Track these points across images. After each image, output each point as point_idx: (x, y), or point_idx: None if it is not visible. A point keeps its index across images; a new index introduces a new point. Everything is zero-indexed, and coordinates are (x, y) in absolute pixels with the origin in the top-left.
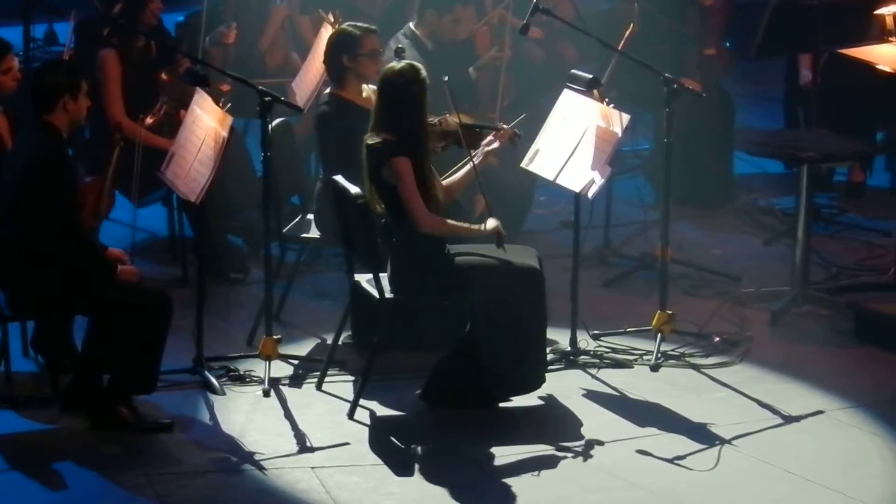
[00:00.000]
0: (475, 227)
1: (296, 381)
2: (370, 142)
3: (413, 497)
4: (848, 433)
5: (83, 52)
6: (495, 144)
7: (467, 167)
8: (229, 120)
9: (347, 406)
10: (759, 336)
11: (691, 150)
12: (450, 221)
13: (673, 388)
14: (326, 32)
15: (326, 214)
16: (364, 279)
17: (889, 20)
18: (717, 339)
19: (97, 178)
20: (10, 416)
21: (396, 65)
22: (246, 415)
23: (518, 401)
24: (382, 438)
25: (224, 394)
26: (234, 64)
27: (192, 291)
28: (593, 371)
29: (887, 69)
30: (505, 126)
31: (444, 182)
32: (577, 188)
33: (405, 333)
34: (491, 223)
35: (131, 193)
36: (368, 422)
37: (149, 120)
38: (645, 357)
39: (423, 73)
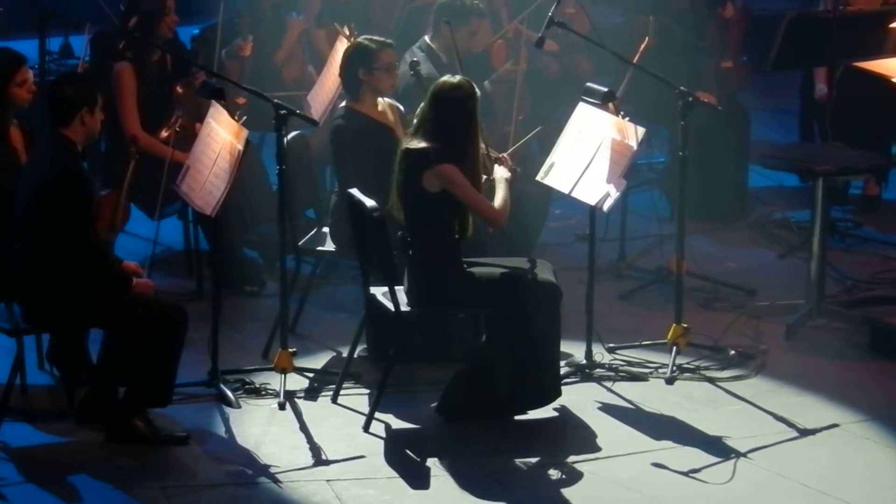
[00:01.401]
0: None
1: (311, 393)
2: (411, 146)
3: None
4: (863, 446)
5: (99, 66)
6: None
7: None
8: (245, 133)
9: (363, 419)
10: (775, 349)
11: (707, 163)
12: (499, 200)
13: (688, 401)
14: (342, 46)
15: (342, 227)
16: (379, 292)
17: None
18: (733, 352)
19: (113, 192)
20: (25, 429)
21: (453, 79)
22: (261, 428)
23: (533, 414)
24: (398, 451)
25: (239, 407)
26: (251, 77)
27: (208, 304)
28: (609, 384)
29: None
30: (507, 158)
31: None
32: (592, 201)
33: (421, 346)
34: (499, 172)
35: (149, 207)
36: (384, 435)
37: (164, 133)
38: (660, 370)
39: (478, 90)
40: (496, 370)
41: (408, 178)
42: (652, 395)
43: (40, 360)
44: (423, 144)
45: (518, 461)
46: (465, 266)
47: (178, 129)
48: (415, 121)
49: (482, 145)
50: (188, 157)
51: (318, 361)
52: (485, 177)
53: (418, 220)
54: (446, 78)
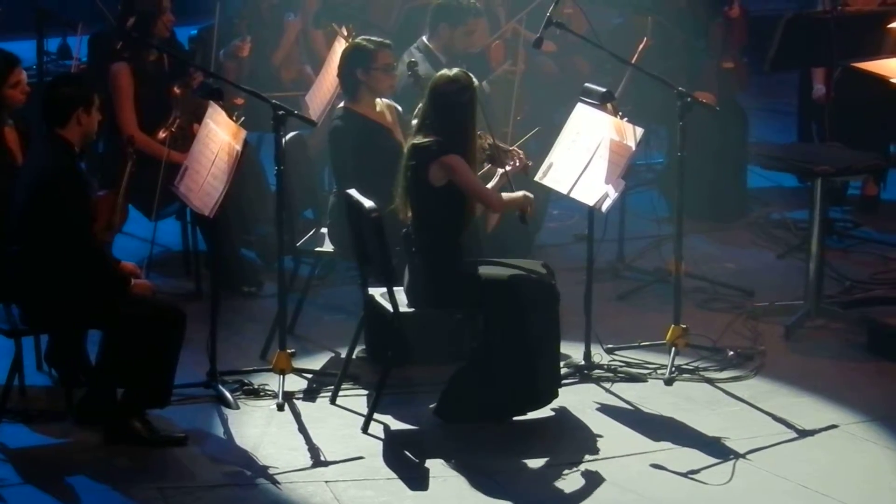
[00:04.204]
0: (511, 194)
1: (310, 394)
2: (416, 142)
3: None
4: (862, 447)
5: (96, 66)
6: (508, 168)
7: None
8: (243, 134)
9: (361, 420)
10: (773, 350)
11: (705, 163)
12: (506, 195)
13: (687, 402)
14: (340, 46)
15: (340, 228)
16: (378, 293)
17: None
18: (731, 352)
19: (110, 192)
20: (23, 431)
21: (449, 72)
22: (260, 429)
23: (532, 415)
24: (397, 452)
25: (238, 408)
26: (249, 77)
27: (206, 305)
28: (607, 385)
29: None
30: (521, 153)
31: None
32: (590, 202)
33: (419, 347)
34: (520, 193)
35: (147, 208)
36: (382, 436)
37: (162, 134)
38: (659, 371)
39: (475, 80)
40: (494, 371)
41: (415, 174)
42: (650, 396)
43: (38, 361)
44: (427, 139)
45: (516, 462)
46: (465, 266)
47: (175, 130)
48: (416, 119)
49: (491, 138)
50: (186, 157)
51: (317, 362)
52: (501, 170)
53: (423, 217)
54: (443, 72)
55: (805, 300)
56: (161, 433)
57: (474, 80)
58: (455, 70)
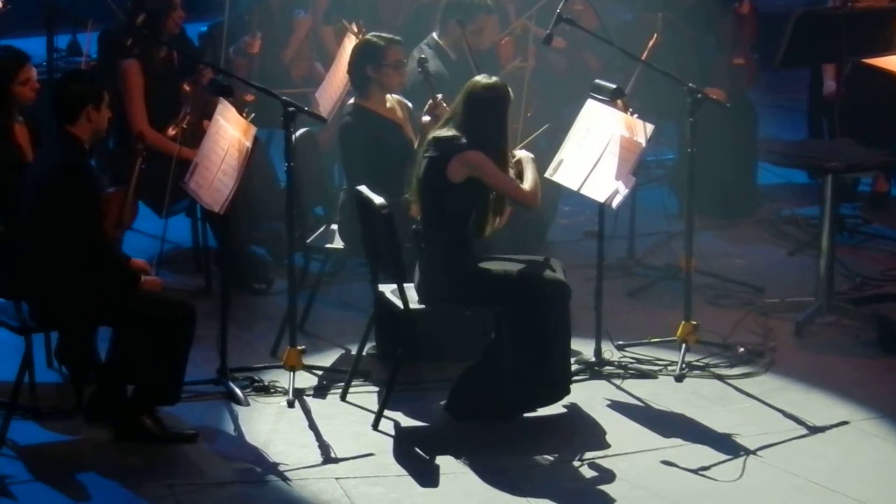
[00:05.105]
0: (530, 180)
1: (320, 391)
2: (441, 134)
3: None
4: (873, 444)
5: (106, 63)
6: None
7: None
8: (253, 130)
9: (372, 417)
10: (784, 346)
11: (715, 160)
12: (528, 185)
13: (697, 398)
14: (350, 43)
15: (350, 224)
16: (388, 289)
17: None
18: (742, 349)
19: (120, 189)
20: (34, 428)
21: (487, 79)
22: (270, 425)
23: (543, 411)
24: (407, 449)
25: (248, 404)
26: (259, 74)
27: (216, 302)
28: (618, 381)
29: None
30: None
31: None
32: (601, 198)
33: (430, 344)
34: (526, 162)
35: (157, 205)
36: (393, 432)
37: (172, 130)
38: (669, 367)
39: (511, 92)
40: (506, 368)
41: (433, 166)
42: (661, 393)
43: (49, 358)
44: (452, 133)
45: (526, 459)
46: (475, 262)
47: (185, 127)
48: (427, 115)
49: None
50: (196, 153)
51: (327, 359)
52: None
53: (435, 212)
54: (482, 77)
55: (816, 297)
56: (171, 430)
57: (511, 93)
58: (494, 78)
